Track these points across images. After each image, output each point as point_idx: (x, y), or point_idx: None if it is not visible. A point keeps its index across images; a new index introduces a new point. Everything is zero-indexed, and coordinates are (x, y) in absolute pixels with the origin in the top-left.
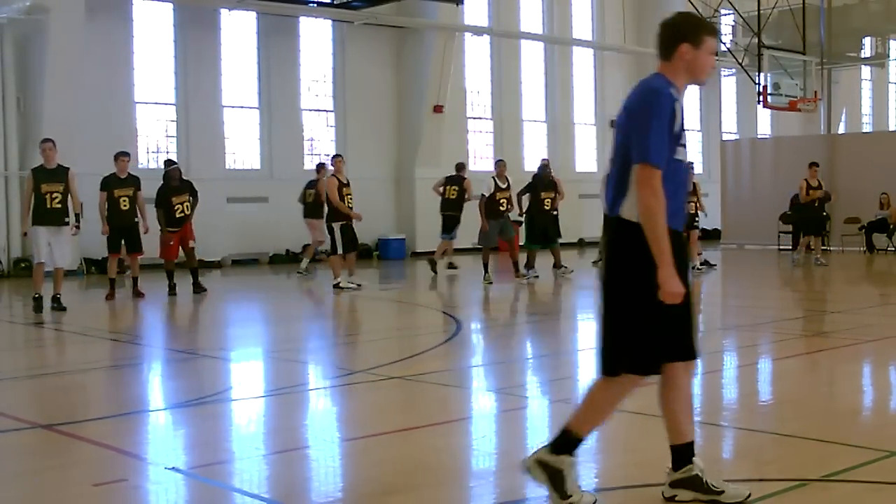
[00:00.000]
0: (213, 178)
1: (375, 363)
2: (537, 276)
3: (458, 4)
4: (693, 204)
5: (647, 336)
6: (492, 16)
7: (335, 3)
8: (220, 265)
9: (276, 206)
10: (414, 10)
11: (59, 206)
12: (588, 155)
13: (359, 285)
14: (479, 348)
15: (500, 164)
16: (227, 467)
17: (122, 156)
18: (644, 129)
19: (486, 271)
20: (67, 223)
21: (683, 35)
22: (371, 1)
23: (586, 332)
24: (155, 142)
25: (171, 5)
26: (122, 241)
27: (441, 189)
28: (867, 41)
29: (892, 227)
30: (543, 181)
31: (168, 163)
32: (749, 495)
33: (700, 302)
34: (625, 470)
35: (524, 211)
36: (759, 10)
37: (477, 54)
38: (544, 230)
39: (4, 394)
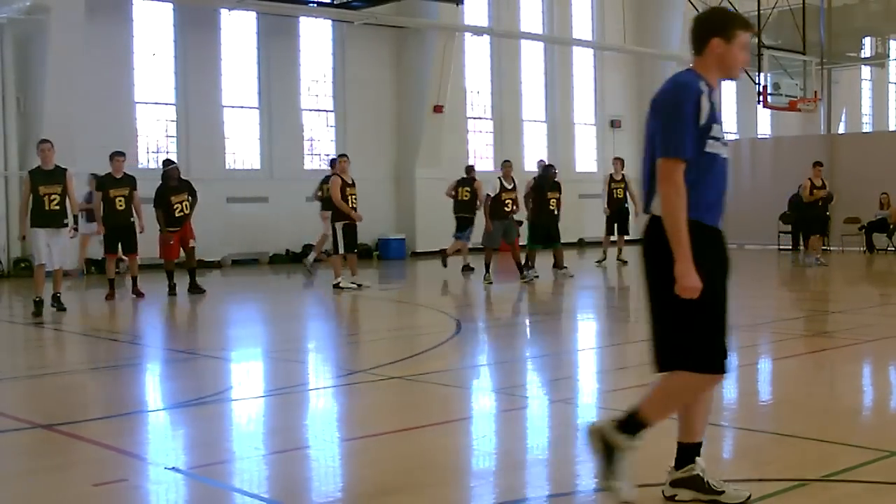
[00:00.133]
0: (213, 178)
1: (375, 363)
2: (537, 276)
3: (458, 4)
4: None
5: (703, 331)
6: (492, 16)
7: (335, 3)
8: (220, 265)
9: (276, 206)
10: (414, 10)
11: (58, 207)
12: (588, 155)
13: (359, 285)
14: (479, 348)
15: (506, 164)
16: (227, 467)
17: (118, 156)
18: (666, 123)
19: (487, 271)
20: (66, 225)
21: (714, 29)
22: (371, 1)
23: (586, 332)
24: (155, 142)
25: (171, 5)
26: (119, 242)
27: (454, 192)
28: (867, 41)
29: (892, 227)
30: (549, 182)
31: (167, 162)
32: (749, 496)
33: None
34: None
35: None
36: (759, 9)
37: (477, 54)
38: (548, 231)
39: (4, 394)
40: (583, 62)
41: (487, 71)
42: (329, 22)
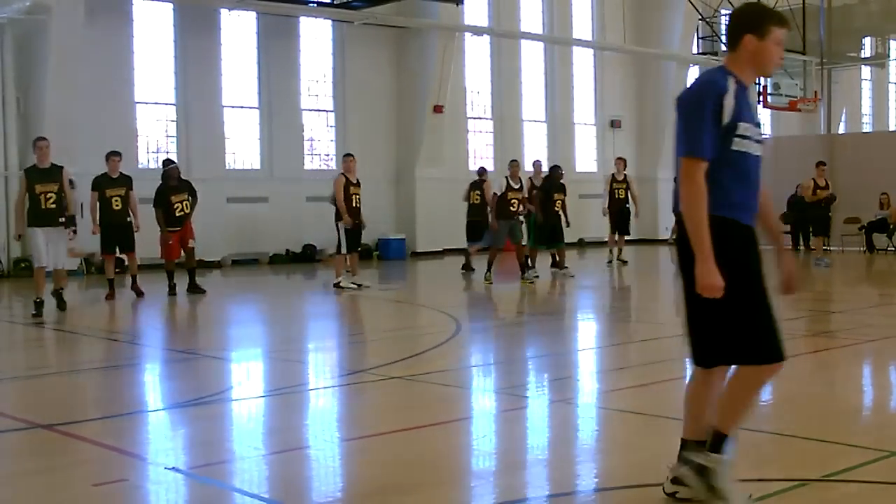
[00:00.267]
0: (213, 178)
1: (375, 363)
2: (538, 276)
3: (458, 4)
4: None
5: (759, 325)
6: (492, 16)
7: (335, 3)
8: (220, 265)
9: (276, 206)
10: (414, 11)
11: (54, 206)
12: (588, 155)
13: (359, 286)
14: (479, 348)
15: (513, 164)
16: (227, 467)
17: (114, 155)
18: (686, 122)
19: (488, 270)
20: (61, 223)
21: (748, 25)
22: (371, 1)
23: (586, 332)
24: (155, 142)
25: (171, 5)
26: (117, 242)
27: (469, 197)
28: (867, 41)
29: (892, 227)
30: (555, 183)
31: (166, 162)
32: (750, 496)
33: None
34: (625, 470)
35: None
36: None
37: (477, 54)
38: (552, 231)
39: (4, 394)
40: (583, 62)
41: (487, 71)
42: (329, 22)
